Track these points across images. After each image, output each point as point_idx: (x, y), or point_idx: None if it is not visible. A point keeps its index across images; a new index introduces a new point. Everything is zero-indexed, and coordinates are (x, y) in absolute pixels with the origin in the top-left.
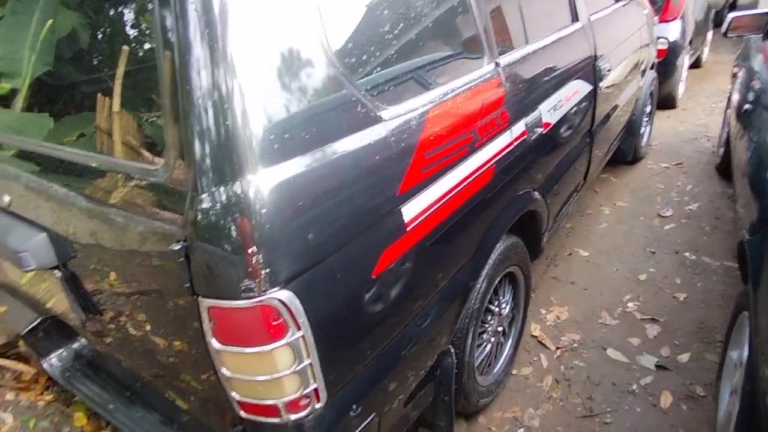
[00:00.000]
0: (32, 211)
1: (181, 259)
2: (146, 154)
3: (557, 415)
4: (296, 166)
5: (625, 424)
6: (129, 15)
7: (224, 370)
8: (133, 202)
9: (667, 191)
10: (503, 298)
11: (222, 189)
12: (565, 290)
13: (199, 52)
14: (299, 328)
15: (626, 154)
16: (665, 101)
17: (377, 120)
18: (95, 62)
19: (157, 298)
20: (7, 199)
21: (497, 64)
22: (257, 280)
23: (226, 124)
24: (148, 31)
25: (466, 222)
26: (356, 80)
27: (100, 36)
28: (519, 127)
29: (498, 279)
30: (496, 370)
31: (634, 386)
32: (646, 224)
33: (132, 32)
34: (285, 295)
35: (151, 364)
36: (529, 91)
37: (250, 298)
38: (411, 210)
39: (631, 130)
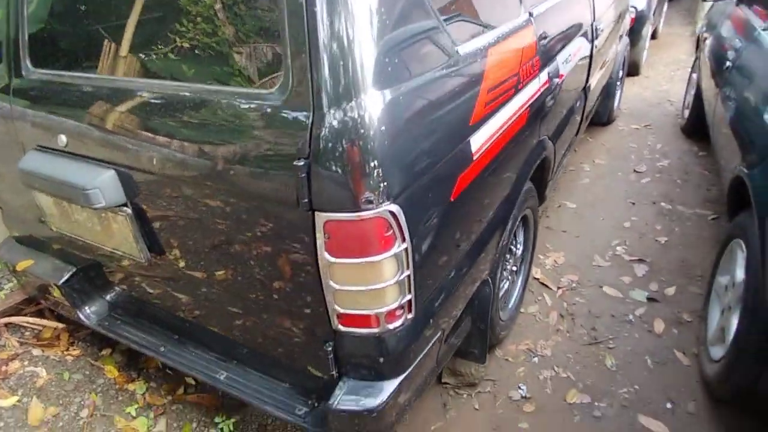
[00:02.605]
0: (97, 149)
1: (303, 175)
2: (253, 80)
3: (566, 344)
4: (402, 90)
5: (626, 348)
6: None
7: (332, 283)
8: (242, 127)
9: (640, 150)
10: (518, 238)
11: (343, 108)
12: (558, 238)
13: None
14: (404, 240)
15: (602, 115)
16: (630, 68)
17: (456, 55)
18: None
19: (253, 223)
20: (64, 139)
21: (530, 14)
22: (377, 193)
23: (346, 51)
24: None
25: (508, 159)
26: (447, 24)
27: None
28: (544, 75)
29: (519, 219)
30: (510, 306)
31: (630, 316)
32: (624, 179)
33: None
34: (395, 208)
35: (225, 298)
36: (552, 43)
37: (370, 209)
38: (477, 141)
39: (609, 92)
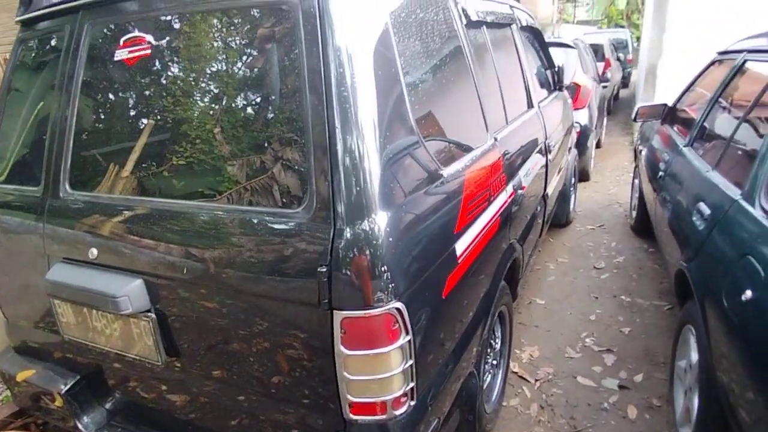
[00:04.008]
0: (126, 261)
1: (325, 279)
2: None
3: None
4: (402, 208)
5: None
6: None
7: (346, 374)
8: (271, 240)
9: (597, 248)
10: (497, 333)
11: (357, 225)
12: (531, 333)
13: (341, 132)
14: (408, 333)
15: (561, 217)
16: (581, 175)
17: (441, 177)
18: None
19: (275, 323)
20: (95, 252)
21: (495, 139)
22: (386, 292)
23: (360, 181)
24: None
25: (485, 260)
26: (432, 151)
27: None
28: (509, 188)
29: (496, 314)
30: (493, 399)
31: (605, 404)
32: (586, 275)
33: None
34: (401, 305)
35: (238, 396)
36: (514, 160)
37: (381, 306)
38: (461, 245)
39: (564, 197)
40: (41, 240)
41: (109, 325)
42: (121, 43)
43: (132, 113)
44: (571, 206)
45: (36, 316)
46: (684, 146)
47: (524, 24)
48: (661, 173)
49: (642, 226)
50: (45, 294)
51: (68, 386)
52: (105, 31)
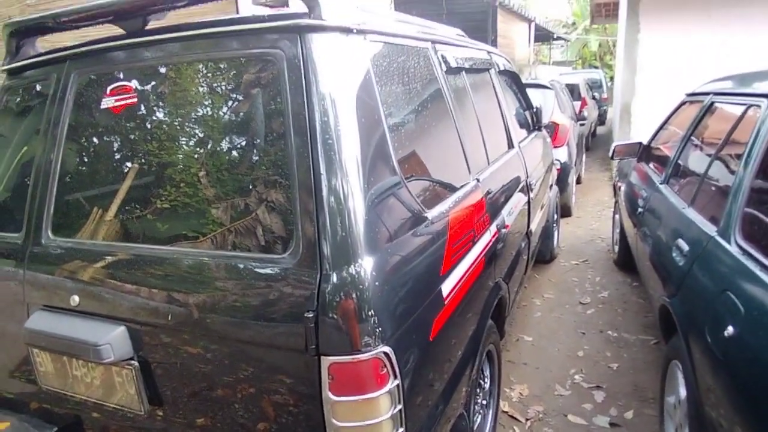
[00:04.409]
0: (108, 308)
1: (312, 324)
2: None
3: None
4: (388, 252)
5: None
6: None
7: (334, 421)
8: (256, 286)
9: (582, 283)
10: (485, 373)
11: (343, 270)
12: (520, 370)
13: (326, 176)
14: (396, 377)
15: (545, 254)
16: (563, 211)
17: (426, 219)
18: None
19: (260, 369)
20: (77, 299)
21: (477, 180)
22: (374, 337)
23: (345, 226)
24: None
25: (472, 301)
26: (415, 193)
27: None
28: (493, 228)
29: (485, 353)
30: None
31: None
32: (572, 311)
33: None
34: (388, 349)
35: None
36: (496, 200)
37: (369, 351)
38: (447, 287)
39: (548, 233)
40: (21, 287)
41: (89, 374)
42: (108, 91)
43: (117, 157)
44: (555, 242)
45: (12, 365)
46: (660, 183)
47: (502, 68)
48: (640, 209)
49: (625, 260)
50: (22, 342)
51: None
52: (92, 79)
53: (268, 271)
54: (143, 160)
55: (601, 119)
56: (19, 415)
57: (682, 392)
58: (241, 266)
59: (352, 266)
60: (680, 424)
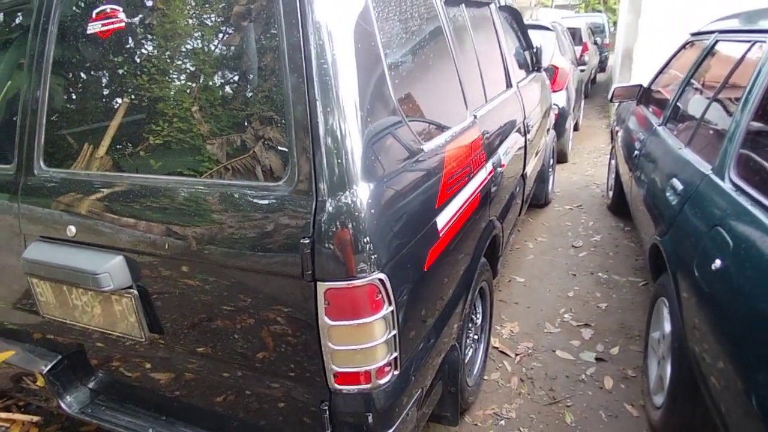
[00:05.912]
0: (105, 238)
1: (308, 251)
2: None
3: (528, 406)
4: (384, 181)
5: (582, 405)
6: None
7: (330, 344)
8: (253, 214)
9: (575, 227)
10: (478, 309)
11: (339, 197)
12: (511, 309)
13: (324, 107)
14: (390, 304)
15: (539, 198)
16: (559, 157)
17: (422, 152)
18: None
19: (258, 295)
20: (73, 230)
21: (474, 116)
22: (369, 263)
23: (341, 153)
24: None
25: (466, 236)
26: (411, 125)
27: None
28: (489, 165)
29: (477, 290)
30: (475, 372)
31: (583, 376)
32: (564, 253)
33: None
34: (383, 276)
35: (221, 371)
36: (493, 138)
37: (364, 277)
38: (442, 220)
39: (543, 177)
40: (16, 219)
41: (90, 303)
42: (94, 15)
43: (106, 92)
44: (550, 187)
45: (13, 296)
46: (658, 126)
47: (503, 3)
48: (636, 152)
49: (618, 205)
50: (22, 273)
51: (50, 366)
52: (76, 3)
53: (263, 200)
54: (133, 94)
55: (602, 66)
56: (24, 344)
57: (667, 327)
58: (237, 195)
59: (347, 194)
60: (663, 357)
